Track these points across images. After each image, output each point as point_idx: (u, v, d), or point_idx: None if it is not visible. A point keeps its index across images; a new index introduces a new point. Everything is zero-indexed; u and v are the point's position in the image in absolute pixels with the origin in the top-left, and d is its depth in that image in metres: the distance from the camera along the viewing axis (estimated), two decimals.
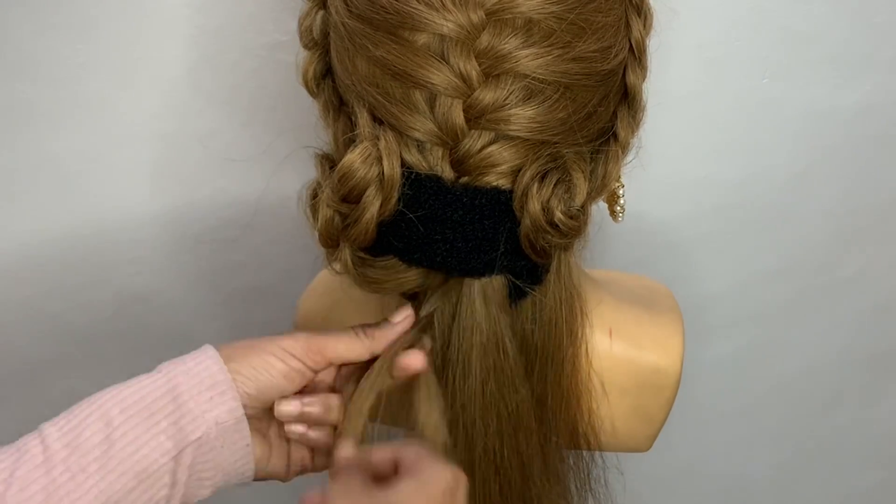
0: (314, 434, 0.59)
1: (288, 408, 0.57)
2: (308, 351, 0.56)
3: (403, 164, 0.53)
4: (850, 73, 0.86)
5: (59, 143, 0.81)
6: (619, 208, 0.63)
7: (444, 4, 0.50)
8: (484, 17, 0.50)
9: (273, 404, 0.57)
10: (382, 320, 0.59)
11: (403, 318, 0.58)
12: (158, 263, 0.89)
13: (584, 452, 0.68)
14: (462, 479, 0.53)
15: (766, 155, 0.91)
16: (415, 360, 0.56)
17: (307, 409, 0.58)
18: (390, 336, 0.58)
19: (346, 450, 0.55)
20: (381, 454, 0.54)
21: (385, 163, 0.52)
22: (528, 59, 0.50)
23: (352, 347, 0.57)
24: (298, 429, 0.58)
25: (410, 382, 0.57)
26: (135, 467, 0.51)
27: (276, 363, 0.56)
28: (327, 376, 0.60)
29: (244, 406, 0.55)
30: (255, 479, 0.58)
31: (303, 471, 0.61)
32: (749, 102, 0.87)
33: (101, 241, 0.86)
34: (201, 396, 0.54)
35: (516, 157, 0.52)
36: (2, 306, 0.87)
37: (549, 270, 0.58)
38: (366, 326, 0.58)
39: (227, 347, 0.56)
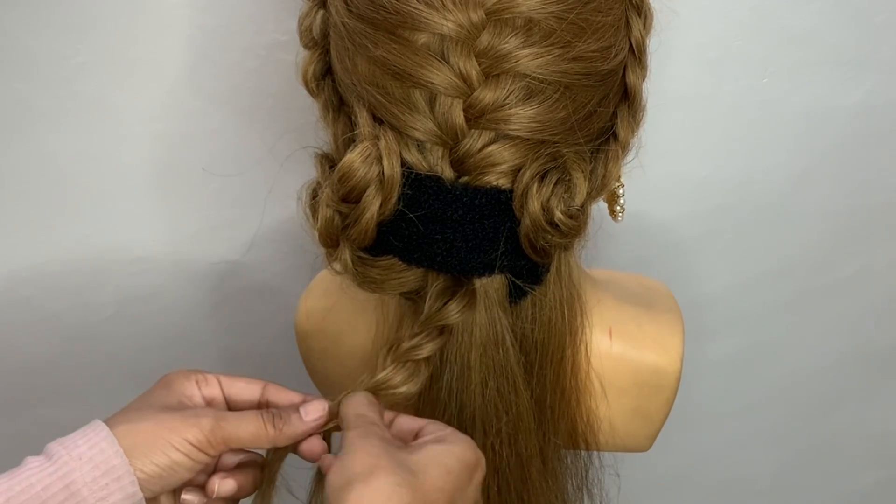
0: None
1: (194, 501, 0.56)
2: (212, 442, 0.53)
3: (403, 163, 0.53)
4: (850, 73, 0.86)
5: (59, 143, 0.80)
6: (619, 208, 0.63)
7: (444, 4, 0.50)
8: (484, 16, 0.50)
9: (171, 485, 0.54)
10: (295, 411, 0.56)
11: (317, 416, 0.55)
12: (158, 263, 0.89)
13: (583, 452, 0.68)
14: (482, 463, 0.52)
15: (766, 155, 0.91)
16: (313, 448, 0.55)
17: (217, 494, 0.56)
18: (297, 433, 0.55)
19: (359, 404, 0.53)
20: (407, 420, 0.54)
21: (385, 162, 0.52)
22: (528, 58, 0.50)
23: (256, 437, 0.54)
24: None
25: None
26: None
27: (179, 458, 0.52)
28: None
29: (142, 489, 0.52)
30: None
31: None
32: (749, 102, 0.87)
33: (100, 240, 0.86)
34: (96, 484, 0.51)
35: (516, 157, 0.52)
36: (2, 306, 0.87)
37: (549, 270, 0.58)
38: (275, 414, 0.55)
39: (125, 433, 0.52)
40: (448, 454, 0.50)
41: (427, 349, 0.56)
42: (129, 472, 0.51)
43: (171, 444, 0.52)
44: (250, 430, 0.54)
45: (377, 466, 0.47)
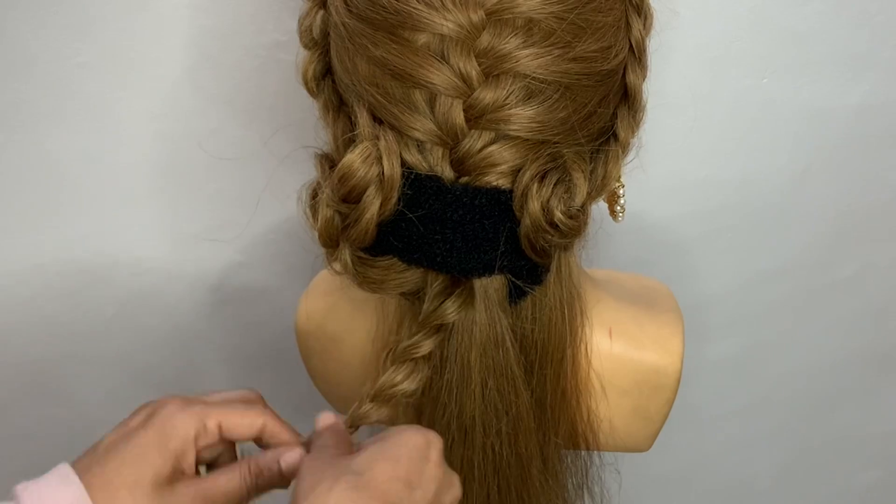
0: None
1: None
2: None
3: (403, 163, 0.53)
4: (850, 73, 0.86)
5: (59, 143, 0.81)
6: (619, 208, 0.63)
7: (444, 4, 0.50)
8: (484, 16, 0.50)
9: None
10: (276, 462, 0.53)
11: (290, 467, 0.53)
12: (158, 263, 0.89)
13: (584, 452, 0.68)
14: (435, 441, 0.52)
15: (766, 155, 0.91)
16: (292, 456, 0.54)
17: None
18: (269, 486, 0.54)
19: (319, 433, 0.53)
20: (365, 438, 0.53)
21: (385, 163, 0.52)
22: (529, 58, 0.50)
23: (237, 498, 0.53)
24: None
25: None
26: None
27: None
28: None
29: None
30: None
31: None
32: (749, 102, 0.87)
33: (100, 240, 0.86)
34: None
35: (516, 157, 0.52)
36: (2, 306, 0.87)
37: (549, 270, 0.58)
38: (257, 473, 0.53)
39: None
40: (391, 445, 0.50)
41: (425, 347, 0.56)
42: None
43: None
44: (232, 492, 0.53)
45: (321, 480, 0.47)
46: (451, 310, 0.55)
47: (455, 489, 0.53)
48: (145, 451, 0.52)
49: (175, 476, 0.52)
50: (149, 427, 0.52)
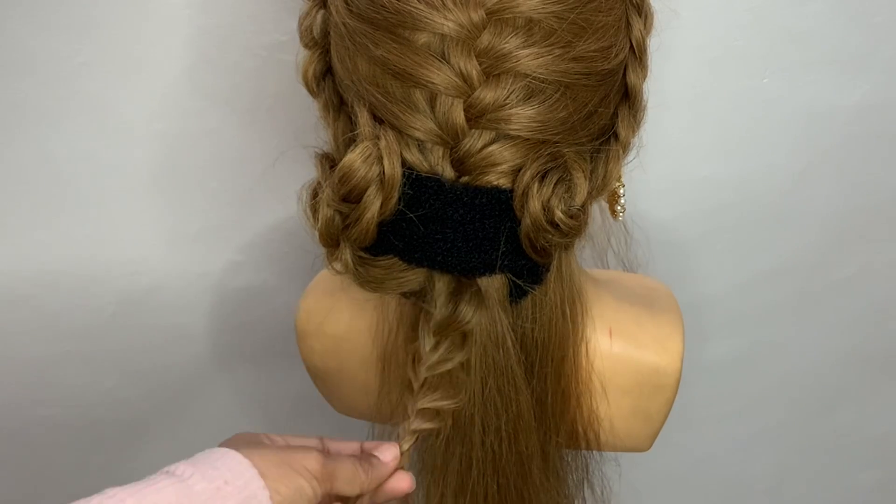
0: None
1: None
2: (324, 475, 0.53)
3: (404, 163, 0.53)
4: (850, 73, 0.86)
5: (59, 143, 0.81)
6: (619, 208, 0.63)
7: (444, 4, 0.50)
8: (484, 16, 0.50)
9: None
10: (372, 456, 0.57)
11: (396, 457, 0.57)
12: (158, 263, 0.89)
13: (584, 452, 0.68)
14: None
15: (766, 155, 0.91)
16: (403, 483, 0.56)
17: None
18: (382, 476, 0.57)
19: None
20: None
21: (385, 162, 0.52)
22: (529, 58, 0.50)
23: (353, 479, 0.55)
24: None
25: None
26: None
27: (303, 485, 0.52)
28: None
29: None
30: None
31: None
32: (749, 102, 0.87)
33: (100, 240, 0.86)
34: None
35: (517, 157, 0.52)
36: (2, 306, 0.87)
37: (550, 270, 0.58)
38: (363, 459, 0.56)
39: (251, 458, 0.51)
40: None
41: (458, 357, 0.56)
42: (266, 498, 0.50)
43: (295, 470, 0.52)
44: (349, 470, 0.55)
45: None
46: (467, 316, 0.55)
47: None
48: (237, 441, 0.55)
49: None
50: (231, 438, 0.56)
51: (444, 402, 0.57)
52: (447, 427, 0.59)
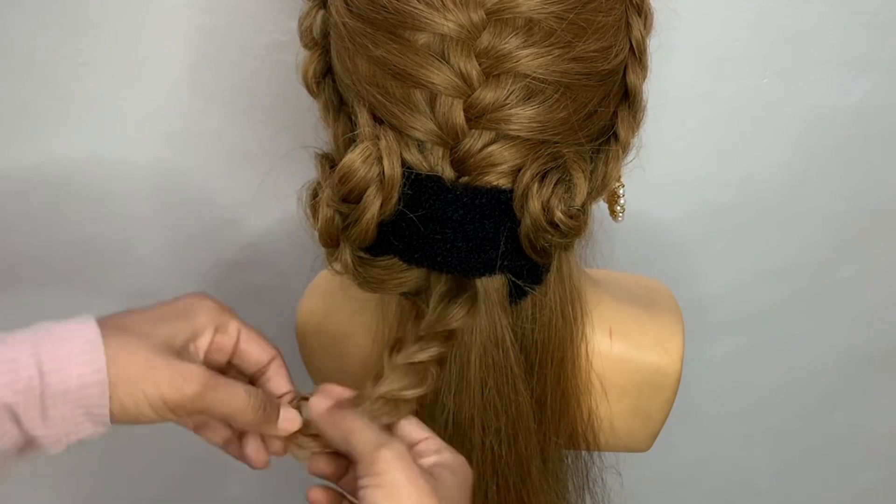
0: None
1: None
2: (189, 408, 0.52)
3: (404, 163, 0.53)
4: (850, 73, 0.86)
5: (59, 143, 0.81)
6: (619, 208, 0.63)
7: (444, 4, 0.50)
8: (484, 16, 0.50)
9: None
10: (277, 411, 0.56)
11: (291, 429, 0.57)
12: (158, 263, 0.89)
13: (584, 452, 0.68)
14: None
15: (766, 155, 0.91)
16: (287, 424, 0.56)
17: None
18: (270, 432, 0.56)
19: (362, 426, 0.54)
20: (430, 443, 0.55)
21: (385, 162, 0.52)
22: (529, 58, 0.50)
23: (239, 413, 0.54)
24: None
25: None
26: None
27: (148, 413, 0.51)
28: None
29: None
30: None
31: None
32: (749, 103, 0.87)
33: (101, 240, 0.86)
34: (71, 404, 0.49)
35: (516, 157, 0.52)
36: (3, 306, 0.87)
37: (550, 270, 0.58)
38: (266, 402, 0.55)
39: (115, 360, 0.50)
40: (464, 483, 0.53)
41: (432, 352, 0.55)
42: (104, 405, 0.49)
43: (146, 396, 0.50)
44: (235, 406, 0.54)
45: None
46: (457, 316, 0.55)
47: None
48: (168, 315, 0.55)
49: (184, 351, 0.54)
50: (179, 300, 0.56)
51: (407, 392, 0.55)
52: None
